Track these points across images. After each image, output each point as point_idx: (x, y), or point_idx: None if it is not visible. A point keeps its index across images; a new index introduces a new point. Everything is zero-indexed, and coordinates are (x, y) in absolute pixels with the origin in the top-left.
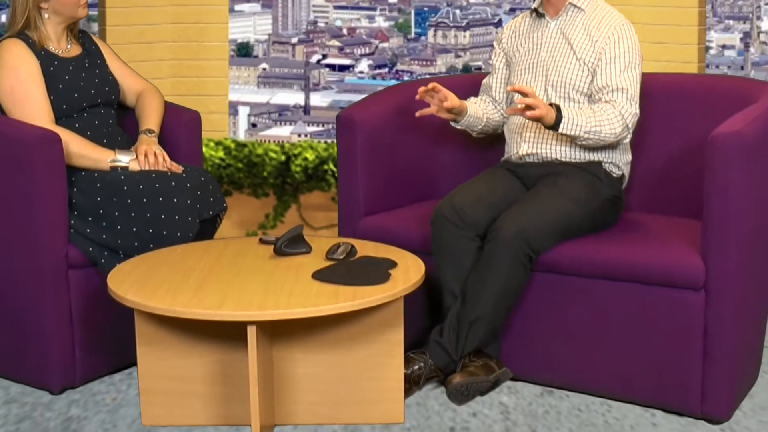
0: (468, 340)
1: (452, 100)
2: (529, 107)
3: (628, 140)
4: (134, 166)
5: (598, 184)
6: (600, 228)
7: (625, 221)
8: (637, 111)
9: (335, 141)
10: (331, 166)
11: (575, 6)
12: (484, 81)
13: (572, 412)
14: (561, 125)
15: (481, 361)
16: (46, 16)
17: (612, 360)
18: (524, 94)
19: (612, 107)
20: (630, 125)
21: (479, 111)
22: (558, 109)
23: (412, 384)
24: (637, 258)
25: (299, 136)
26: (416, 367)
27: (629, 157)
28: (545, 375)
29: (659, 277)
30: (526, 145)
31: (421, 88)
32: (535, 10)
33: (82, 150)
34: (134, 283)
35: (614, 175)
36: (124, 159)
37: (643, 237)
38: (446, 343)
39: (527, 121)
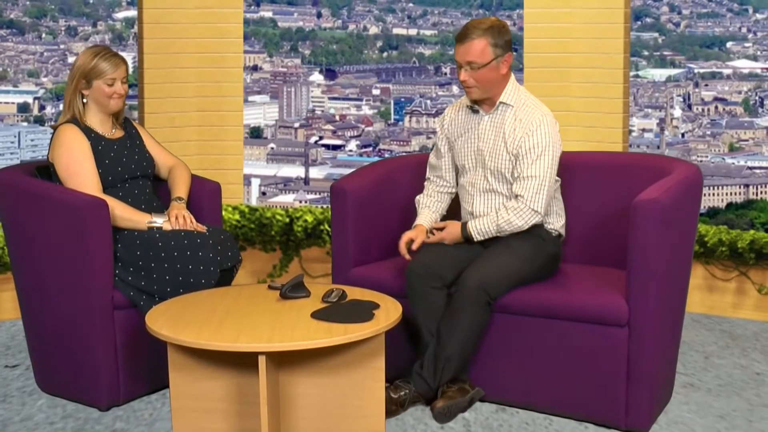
0: (444, 373)
1: (418, 240)
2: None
3: (554, 211)
4: (167, 227)
5: (541, 242)
6: (544, 277)
7: (564, 271)
8: (544, 195)
9: (330, 206)
10: (327, 226)
11: (505, 103)
12: (431, 161)
13: (521, 426)
14: (472, 236)
15: (456, 386)
16: (85, 101)
17: (553, 383)
18: (436, 227)
19: (519, 203)
20: (540, 209)
21: (435, 215)
22: (464, 227)
23: (398, 406)
24: (573, 301)
25: (301, 202)
26: (402, 393)
27: (563, 221)
28: (500, 395)
29: (591, 316)
30: (477, 206)
31: (403, 251)
32: (470, 106)
33: (124, 213)
34: (167, 321)
35: (553, 234)
36: (158, 221)
37: (578, 283)
38: (426, 375)
39: (479, 190)
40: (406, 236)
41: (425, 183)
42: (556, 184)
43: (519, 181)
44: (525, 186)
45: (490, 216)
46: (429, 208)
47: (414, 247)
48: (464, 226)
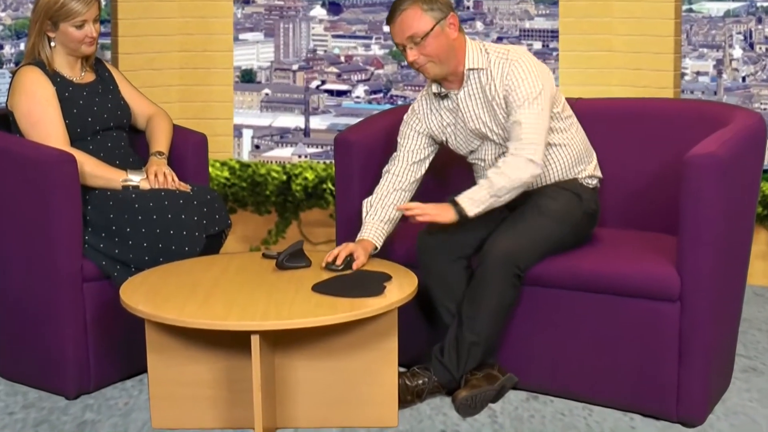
0: (469, 361)
1: (359, 262)
2: (420, 215)
3: (579, 153)
4: (145, 186)
5: (575, 200)
6: (581, 242)
7: (604, 236)
8: (541, 142)
9: (333, 162)
10: (330, 185)
11: (474, 69)
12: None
13: (555, 416)
14: (466, 211)
15: (482, 372)
16: (53, 44)
17: (593, 367)
18: (408, 210)
19: (510, 156)
20: (536, 158)
21: (387, 225)
22: (454, 202)
23: (414, 396)
24: (616, 271)
25: (300, 157)
26: (420, 381)
27: (594, 160)
28: (531, 381)
29: (637, 289)
30: None
31: (328, 260)
32: (437, 94)
33: (95, 170)
34: (145, 294)
35: (590, 186)
36: (135, 179)
37: (620, 251)
38: (447, 362)
39: (490, 165)
40: (347, 249)
41: (382, 176)
42: (570, 119)
43: (509, 131)
44: (516, 134)
45: (481, 181)
46: (378, 215)
47: (354, 267)
48: (453, 202)
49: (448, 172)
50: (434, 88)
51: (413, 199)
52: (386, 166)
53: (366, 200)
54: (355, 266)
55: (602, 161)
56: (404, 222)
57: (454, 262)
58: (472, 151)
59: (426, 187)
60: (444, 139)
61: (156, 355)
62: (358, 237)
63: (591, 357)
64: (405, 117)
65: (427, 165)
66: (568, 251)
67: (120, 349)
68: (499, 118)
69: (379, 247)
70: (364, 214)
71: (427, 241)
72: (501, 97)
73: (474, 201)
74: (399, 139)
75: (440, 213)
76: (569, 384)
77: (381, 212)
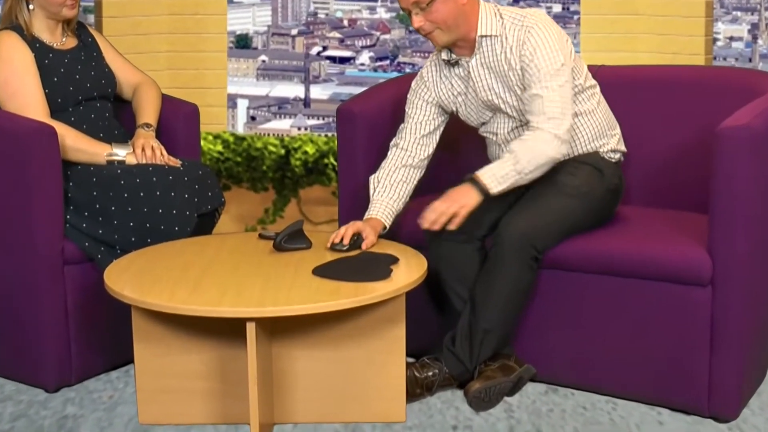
0: (482, 350)
1: (368, 241)
2: (452, 217)
3: (601, 125)
4: (131, 160)
5: (597, 175)
6: (603, 221)
7: (627, 215)
8: (568, 114)
9: (335, 134)
10: (332, 159)
11: (486, 36)
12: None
13: (577, 411)
14: (489, 188)
15: (497, 363)
16: (31, 7)
17: (617, 357)
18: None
19: (535, 130)
20: (562, 133)
21: (396, 203)
22: (473, 181)
23: (424, 389)
24: (641, 253)
25: (299, 129)
26: (430, 373)
27: (618, 133)
28: (549, 372)
29: (665, 272)
30: None
31: (336, 240)
32: (447, 60)
33: (77, 144)
34: (131, 278)
35: (612, 160)
36: (120, 153)
37: (647, 231)
38: (459, 352)
39: (503, 139)
40: (354, 227)
41: (390, 150)
42: (592, 90)
43: (527, 105)
44: (537, 107)
45: (505, 155)
46: (387, 192)
47: (363, 247)
48: (473, 180)
49: (459, 148)
50: (444, 54)
51: (424, 176)
52: (394, 140)
53: (373, 176)
54: (364, 246)
55: (626, 134)
56: (413, 200)
57: (466, 243)
58: (483, 123)
59: (436, 163)
60: (454, 108)
61: (143, 345)
62: (366, 215)
63: (615, 346)
64: (413, 85)
65: (437, 137)
66: (590, 231)
67: (104, 338)
68: (514, 89)
69: (388, 227)
70: (371, 192)
71: None
72: (517, 68)
73: (497, 177)
74: (407, 110)
75: (463, 201)
76: (592, 375)
77: (390, 189)
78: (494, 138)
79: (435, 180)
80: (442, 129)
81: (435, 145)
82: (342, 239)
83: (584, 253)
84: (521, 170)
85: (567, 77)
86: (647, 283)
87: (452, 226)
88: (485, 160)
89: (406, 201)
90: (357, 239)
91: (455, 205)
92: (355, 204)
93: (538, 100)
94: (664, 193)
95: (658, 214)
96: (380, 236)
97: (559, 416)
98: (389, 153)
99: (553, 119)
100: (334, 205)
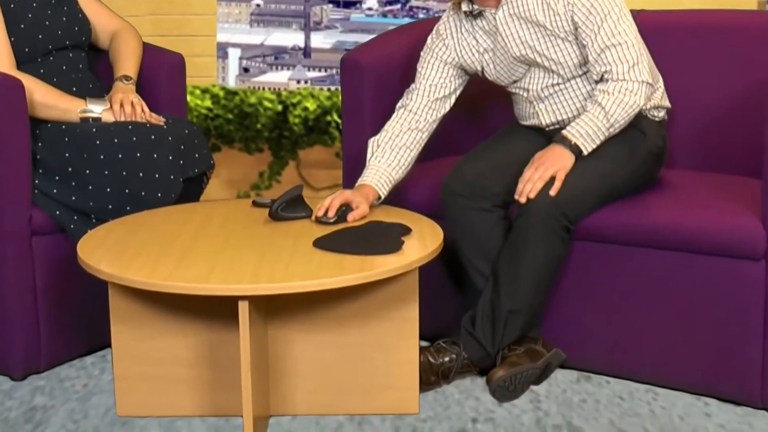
0: (506, 333)
1: (358, 212)
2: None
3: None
4: (108, 117)
5: (638, 136)
6: (643, 187)
7: (671, 180)
8: (644, 59)
9: (339, 88)
10: (335, 117)
11: None
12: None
13: (613, 401)
14: (582, 148)
15: (523, 347)
16: None
17: (659, 341)
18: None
19: (618, 81)
20: (648, 77)
21: (396, 171)
22: (563, 140)
23: (440, 377)
24: (686, 223)
25: (298, 82)
26: (447, 359)
27: (662, 87)
28: (582, 358)
29: (713, 245)
30: (545, 115)
31: (319, 213)
32: (468, 12)
33: (47, 99)
34: (108, 251)
35: (656, 119)
36: (96, 109)
37: (693, 199)
38: (480, 334)
39: (535, 96)
40: (342, 197)
41: (396, 111)
42: None
43: (601, 56)
44: (613, 57)
45: (590, 109)
46: (386, 157)
47: (350, 218)
48: (563, 140)
49: (479, 105)
50: (464, 5)
51: (438, 138)
52: (401, 100)
53: (373, 139)
54: (350, 218)
55: (670, 88)
56: (423, 163)
57: (488, 211)
58: (514, 81)
59: (453, 122)
60: (479, 68)
61: (122, 327)
62: (358, 182)
63: (656, 328)
64: (428, 41)
65: (452, 101)
66: (629, 198)
67: (77, 319)
68: (555, 39)
69: (383, 197)
70: (368, 155)
71: (453, 184)
72: (562, 13)
73: (589, 135)
74: (419, 68)
75: (560, 163)
76: (630, 361)
77: (389, 155)
78: (525, 95)
79: (452, 142)
80: (459, 92)
81: (449, 108)
82: (327, 211)
83: (622, 224)
84: (612, 124)
85: (626, 10)
86: (693, 256)
87: (553, 193)
88: (507, 119)
89: (408, 169)
90: (345, 210)
91: (552, 168)
92: (360, 167)
93: (611, 50)
94: (713, 155)
95: (705, 179)
96: (376, 205)
97: (592, 407)
98: (395, 114)
99: (635, 66)
100: (337, 168)
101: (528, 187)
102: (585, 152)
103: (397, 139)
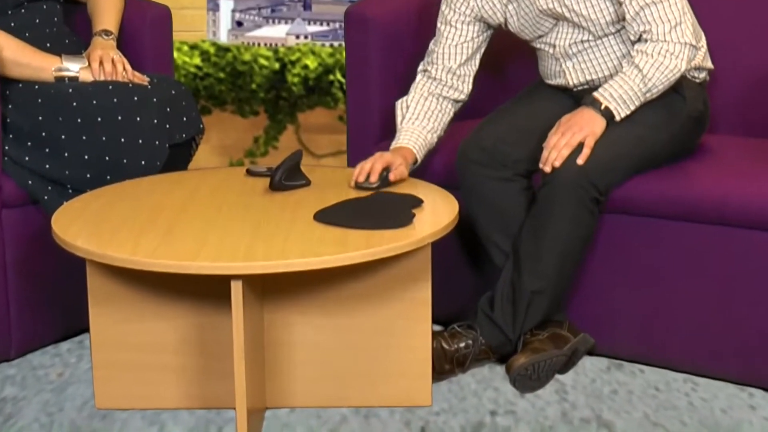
0: (528, 316)
1: (397, 173)
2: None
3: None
4: (86, 76)
5: (676, 99)
6: (682, 154)
7: (713, 146)
8: (688, 19)
9: (343, 44)
10: (339, 76)
11: None
12: (431, 44)
13: (647, 392)
14: (615, 113)
15: (547, 331)
16: None
17: (699, 325)
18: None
19: (660, 42)
20: (691, 39)
21: (430, 134)
22: (594, 103)
23: (455, 365)
24: (729, 194)
25: (297, 37)
26: (462, 344)
27: (704, 46)
28: (612, 344)
29: (759, 218)
30: (572, 75)
31: (361, 178)
32: None
33: (18, 56)
34: (86, 225)
35: (696, 81)
36: (72, 67)
37: (736, 167)
38: (499, 317)
39: (562, 53)
40: (383, 160)
41: (418, 75)
42: None
43: (640, 14)
44: (653, 16)
45: (626, 71)
46: (420, 120)
47: (392, 178)
48: (593, 103)
49: (500, 61)
50: None
51: (462, 108)
52: (423, 63)
53: (400, 101)
54: (392, 177)
55: (712, 46)
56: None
57: (509, 181)
58: (539, 36)
59: (490, 71)
60: (502, 20)
61: (101, 309)
62: (394, 144)
63: (696, 311)
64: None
65: (477, 62)
66: (666, 167)
67: (52, 301)
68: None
69: (420, 160)
70: (398, 119)
71: (470, 151)
72: None
73: (624, 99)
74: (440, 27)
75: (589, 128)
76: (666, 348)
77: (423, 118)
78: (551, 51)
79: (469, 104)
80: (483, 49)
81: (475, 72)
82: (369, 176)
83: (659, 194)
84: (650, 89)
85: None
86: (737, 231)
87: (581, 161)
88: (531, 77)
89: (441, 135)
90: (387, 175)
91: (580, 133)
92: (367, 132)
93: (652, 8)
94: (758, 119)
95: (750, 146)
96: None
97: (624, 399)
98: (417, 78)
99: (678, 26)
100: (340, 133)
101: (553, 154)
102: (618, 117)
103: (426, 102)
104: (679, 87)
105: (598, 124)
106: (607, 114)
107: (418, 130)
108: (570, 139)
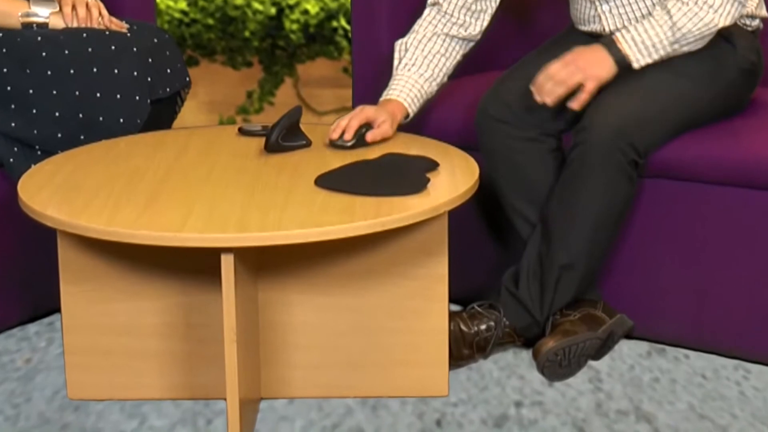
0: (558, 294)
1: (378, 132)
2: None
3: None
4: (57, 23)
5: (726, 49)
6: (732, 111)
7: (763, 101)
8: None
9: None
10: (342, 22)
11: None
12: None
13: (692, 381)
14: (630, 58)
15: (579, 312)
16: None
17: (752, 304)
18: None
19: None
20: None
21: (429, 84)
22: (610, 44)
23: (475, 350)
24: None
25: None
26: (483, 326)
27: None
28: (653, 326)
29: None
30: (609, 20)
31: (334, 136)
32: None
33: None
34: (57, 192)
35: (749, 29)
36: (42, 12)
37: None
38: (525, 296)
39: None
40: (362, 115)
41: (427, 8)
42: None
43: None
44: None
45: (655, 15)
46: (417, 66)
47: (369, 138)
48: (609, 44)
49: (526, 3)
50: None
51: (472, 49)
52: None
53: (400, 41)
54: (370, 137)
55: None
56: (455, 80)
57: (535, 141)
58: None
59: (495, 27)
60: None
61: (74, 288)
62: (383, 96)
63: (749, 288)
64: None
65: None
66: (713, 126)
67: (18, 278)
68: None
69: (412, 115)
70: (395, 62)
71: (491, 107)
72: None
73: (645, 46)
74: None
75: (593, 71)
76: (715, 331)
77: (422, 62)
78: None
79: (491, 53)
80: None
81: (494, 9)
82: (344, 133)
83: (705, 156)
84: (678, 40)
85: None
86: None
87: (575, 106)
88: (561, 23)
89: (443, 82)
90: (365, 132)
91: (580, 73)
92: (375, 85)
93: None
94: None
95: None
96: (401, 127)
97: (667, 388)
98: (426, 12)
99: None
100: (345, 86)
101: (548, 85)
102: (636, 65)
103: (429, 43)
104: (729, 35)
105: (606, 69)
106: (622, 60)
107: (414, 79)
108: (567, 76)
